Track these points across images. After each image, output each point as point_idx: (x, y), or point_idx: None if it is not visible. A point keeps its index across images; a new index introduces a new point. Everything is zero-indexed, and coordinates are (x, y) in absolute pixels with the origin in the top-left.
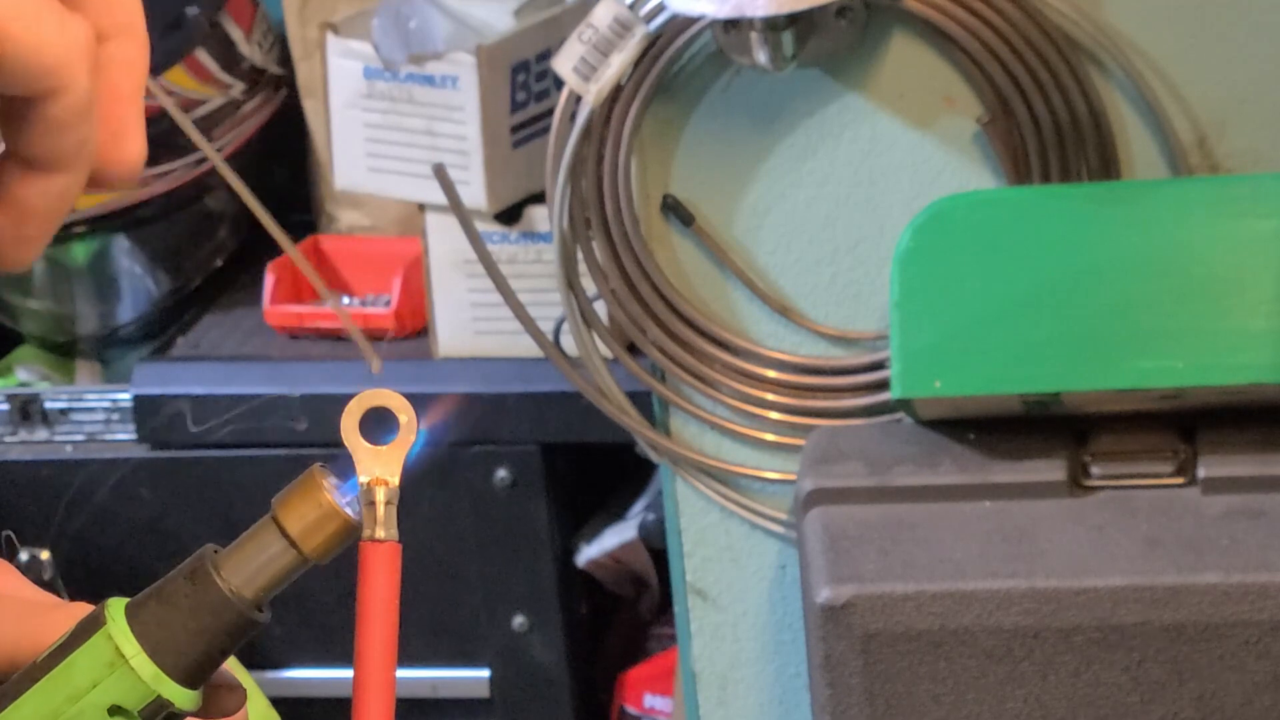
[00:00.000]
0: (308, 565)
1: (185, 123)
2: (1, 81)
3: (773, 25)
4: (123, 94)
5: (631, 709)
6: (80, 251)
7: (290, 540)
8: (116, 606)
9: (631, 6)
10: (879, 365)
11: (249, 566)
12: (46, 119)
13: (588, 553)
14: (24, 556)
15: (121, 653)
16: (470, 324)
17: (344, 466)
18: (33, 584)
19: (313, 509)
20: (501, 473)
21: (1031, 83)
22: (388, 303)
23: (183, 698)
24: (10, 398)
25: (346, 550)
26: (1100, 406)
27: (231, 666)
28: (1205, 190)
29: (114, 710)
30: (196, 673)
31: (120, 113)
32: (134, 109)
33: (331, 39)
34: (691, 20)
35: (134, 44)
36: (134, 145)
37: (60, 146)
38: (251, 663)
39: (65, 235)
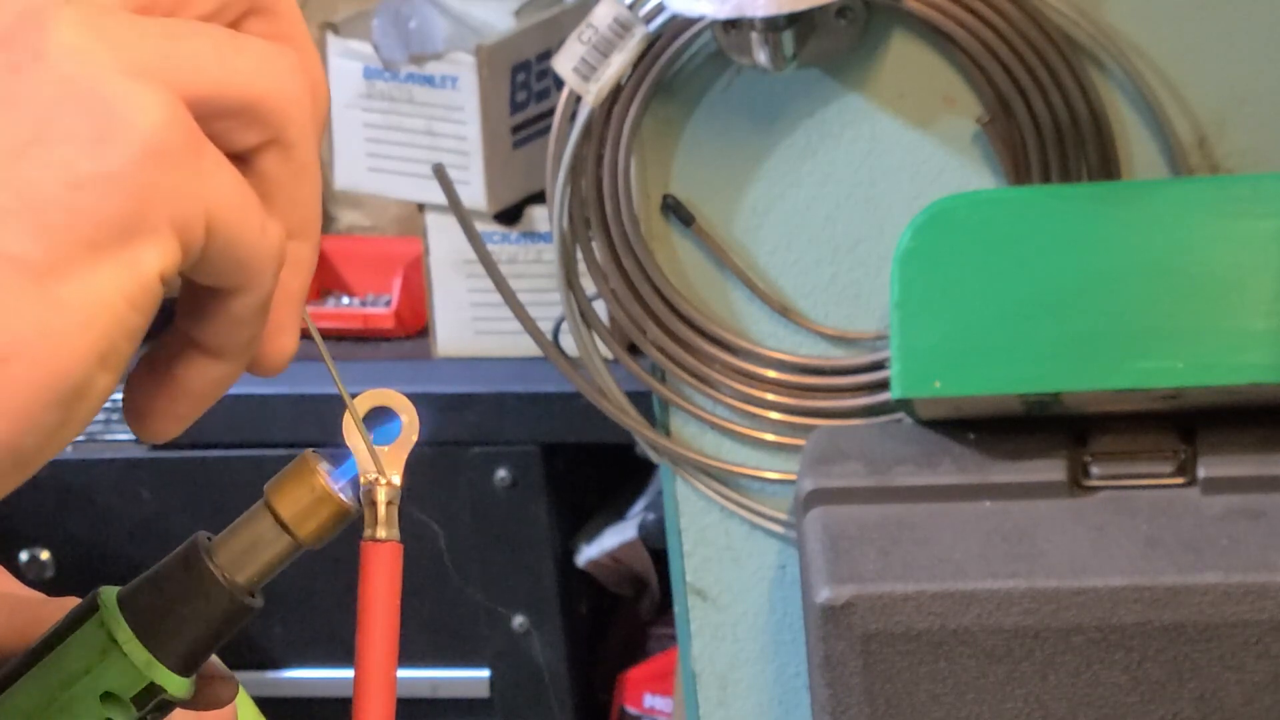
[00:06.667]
0: (301, 550)
1: None
2: (201, 269)
3: (773, 25)
4: (290, 293)
5: (631, 709)
6: None
7: (284, 525)
8: (109, 593)
9: (631, 6)
10: (879, 365)
11: (243, 552)
12: (228, 312)
13: (588, 553)
14: (24, 556)
15: (114, 639)
16: (470, 324)
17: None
18: (20, 582)
19: (306, 494)
20: (501, 473)
21: (1031, 83)
22: (388, 303)
23: (176, 685)
24: None
25: (348, 551)
26: (1100, 406)
27: None
28: (1205, 190)
29: (106, 697)
30: (190, 660)
31: (284, 311)
32: (297, 309)
33: (331, 39)
34: (691, 20)
35: (309, 245)
36: (288, 344)
37: (233, 339)
38: (252, 663)
39: None
